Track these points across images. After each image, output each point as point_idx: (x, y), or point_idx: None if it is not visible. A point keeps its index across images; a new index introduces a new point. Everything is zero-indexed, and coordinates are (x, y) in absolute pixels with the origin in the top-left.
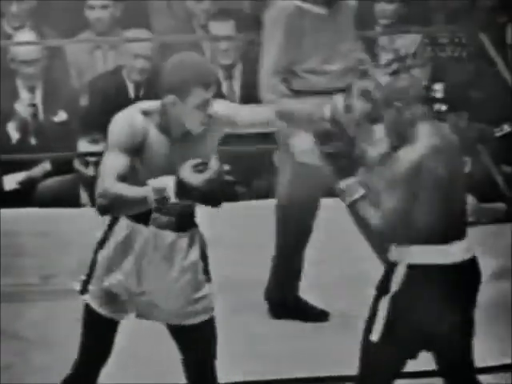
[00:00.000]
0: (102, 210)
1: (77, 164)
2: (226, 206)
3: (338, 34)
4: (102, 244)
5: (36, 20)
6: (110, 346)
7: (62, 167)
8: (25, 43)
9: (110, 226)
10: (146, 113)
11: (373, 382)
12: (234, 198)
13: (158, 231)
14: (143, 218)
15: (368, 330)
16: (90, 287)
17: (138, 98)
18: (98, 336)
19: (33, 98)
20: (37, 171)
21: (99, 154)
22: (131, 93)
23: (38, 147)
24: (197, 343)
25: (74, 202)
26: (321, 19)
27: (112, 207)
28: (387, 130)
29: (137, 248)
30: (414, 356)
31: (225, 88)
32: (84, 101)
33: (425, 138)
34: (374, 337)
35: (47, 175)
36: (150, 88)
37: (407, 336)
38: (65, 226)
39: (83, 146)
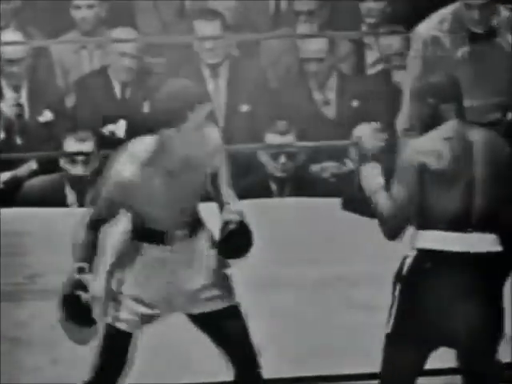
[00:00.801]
0: None
1: (63, 163)
2: (213, 205)
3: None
4: (114, 270)
5: (21, 20)
6: (126, 357)
7: (48, 166)
8: (10, 43)
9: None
10: (145, 163)
11: (394, 379)
12: None
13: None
14: (156, 238)
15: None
16: (113, 312)
17: (124, 98)
18: (118, 349)
19: (18, 98)
20: (22, 170)
21: (86, 154)
22: (118, 93)
23: (23, 147)
24: (224, 329)
25: (61, 202)
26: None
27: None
28: (414, 121)
29: (157, 265)
30: (430, 350)
31: (211, 87)
32: (70, 100)
33: (440, 130)
34: (388, 328)
35: (33, 174)
36: (137, 88)
37: (419, 327)
38: (51, 225)
39: (70, 144)
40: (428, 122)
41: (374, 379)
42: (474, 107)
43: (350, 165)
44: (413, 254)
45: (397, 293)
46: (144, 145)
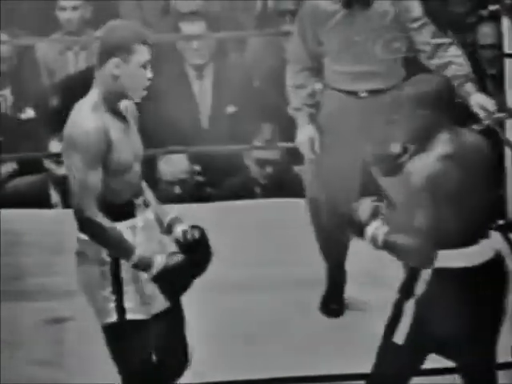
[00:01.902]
0: (83, 231)
1: (48, 163)
2: (196, 206)
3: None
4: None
5: (6, 20)
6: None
7: (29, 167)
8: None
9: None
10: (95, 108)
11: (388, 381)
12: (204, 198)
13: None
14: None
15: (390, 331)
16: (128, 305)
17: None
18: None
19: (3, 95)
20: (3, 170)
21: None
22: None
23: (4, 145)
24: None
25: (44, 203)
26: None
27: (92, 238)
28: (409, 133)
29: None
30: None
31: (196, 88)
32: (55, 101)
33: (438, 146)
34: (399, 339)
35: (14, 175)
36: None
37: (430, 339)
38: (31, 226)
39: (55, 145)
40: (421, 135)
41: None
42: (355, 73)
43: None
44: (427, 272)
45: (409, 307)
46: (87, 99)
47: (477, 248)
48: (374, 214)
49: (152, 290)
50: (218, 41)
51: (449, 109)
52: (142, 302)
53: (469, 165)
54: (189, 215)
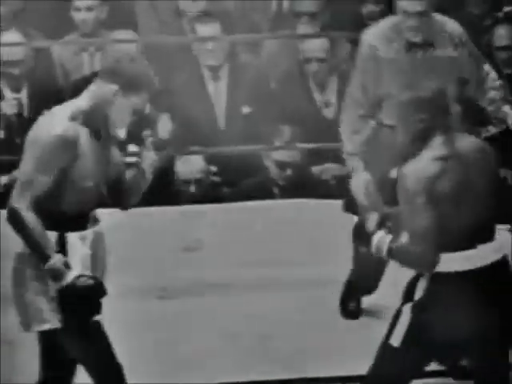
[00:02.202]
0: (7, 221)
1: None
2: (210, 207)
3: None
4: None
5: (22, 22)
6: None
7: None
8: (11, 44)
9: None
10: (74, 117)
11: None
12: (220, 199)
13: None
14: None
15: (389, 334)
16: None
17: None
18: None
19: (18, 98)
20: None
21: None
22: None
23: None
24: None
25: None
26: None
27: (14, 230)
28: (407, 137)
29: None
30: (438, 361)
31: (212, 89)
32: None
33: (433, 149)
34: (395, 342)
35: None
36: None
37: (432, 343)
38: None
39: None
40: (417, 138)
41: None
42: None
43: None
44: (426, 277)
45: (407, 311)
46: (74, 103)
47: (478, 251)
48: (381, 224)
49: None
50: (232, 42)
51: (443, 113)
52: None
53: (464, 168)
54: (206, 215)
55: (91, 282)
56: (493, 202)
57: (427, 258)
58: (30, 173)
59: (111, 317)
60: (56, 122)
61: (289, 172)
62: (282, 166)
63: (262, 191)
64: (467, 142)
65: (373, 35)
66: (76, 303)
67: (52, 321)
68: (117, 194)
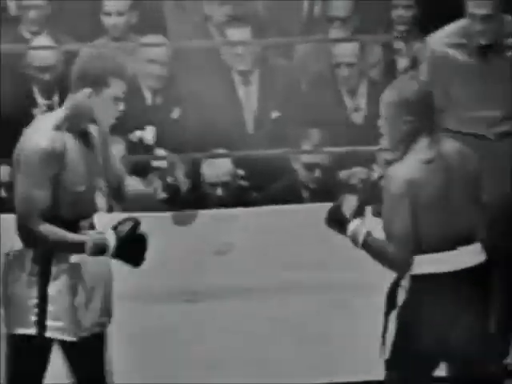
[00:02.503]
0: (30, 245)
1: None
2: (241, 210)
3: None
4: (46, 280)
5: (52, 27)
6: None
7: None
8: (42, 48)
9: (47, 261)
10: (58, 126)
11: None
12: (249, 202)
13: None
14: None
15: (382, 345)
16: (50, 322)
17: (155, 105)
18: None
19: (51, 104)
20: None
21: None
22: (148, 100)
23: None
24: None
25: None
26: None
27: (40, 247)
28: (392, 139)
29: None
30: (434, 366)
31: (242, 94)
32: None
33: (418, 152)
34: (385, 354)
35: None
36: (168, 95)
37: (421, 349)
38: None
39: None
40: (404, 140)
41: None
42: (483, 118)
43: (377, 170)
44: (406, 280)
45: (392, 319)
46: (52, 115)
47: (459, 253)
48: (358, 213)
49: (84, 312)
50: (263, 47)
51: (429, 115)
52: (72, 322)
53: (449, 171)
54: (236, 219)
55: (130, 221)
56: (476, 206)
57: (400, 259)
58: (28, 190)
59: (136, 321)
60: (41, 134)
61: (317, 174)
62: (310, 167)
63: (291, 194)
64: (450, 146)
65: (440, 39)
66: (132, 248)
67: (33, 327)
68: (119, 194)
